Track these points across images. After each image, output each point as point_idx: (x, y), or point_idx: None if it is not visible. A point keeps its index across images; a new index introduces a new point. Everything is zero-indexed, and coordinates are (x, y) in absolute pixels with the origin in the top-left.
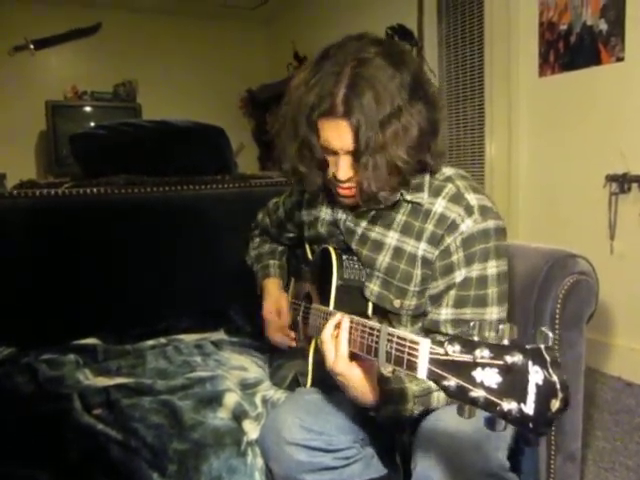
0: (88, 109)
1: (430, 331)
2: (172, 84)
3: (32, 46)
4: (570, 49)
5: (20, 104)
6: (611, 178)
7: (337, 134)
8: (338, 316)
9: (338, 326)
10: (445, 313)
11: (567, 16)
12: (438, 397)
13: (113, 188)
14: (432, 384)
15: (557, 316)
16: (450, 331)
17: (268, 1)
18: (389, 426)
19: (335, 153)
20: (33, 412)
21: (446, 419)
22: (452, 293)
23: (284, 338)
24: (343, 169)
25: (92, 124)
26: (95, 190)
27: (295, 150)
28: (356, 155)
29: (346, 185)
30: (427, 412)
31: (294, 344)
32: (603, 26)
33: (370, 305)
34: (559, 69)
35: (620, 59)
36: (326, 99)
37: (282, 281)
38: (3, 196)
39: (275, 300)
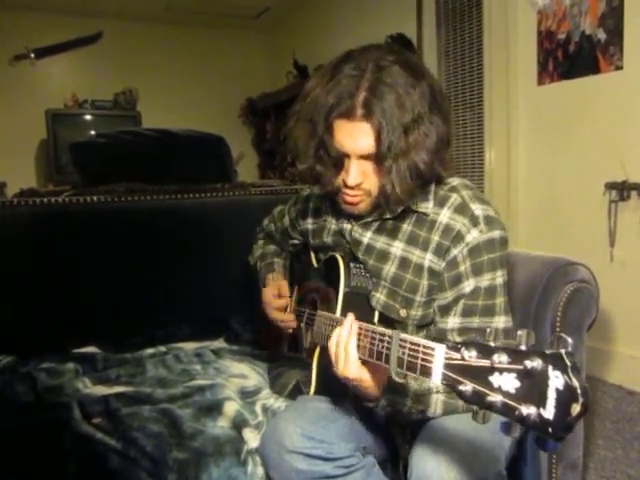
0: (88, 117)
1: (437, 340)
2: (172, 93)
3: (33, 55)
4: (569, 58)
5: (20, 113)
6: (610, 186)
7: (352, 137)
8: (347, 322)
9: (347, 332)
10: (452, 322)
11: (566, 25)
12: (436, 402)
13: (113, 196)
14: (433, 387)
15: (557, 324)
16: (457, 339)
17: (268, 10)
18: (388, 425)
19: (347, 157)
20: (32, 421)
21: (445, 427)
22: (461, 303)
23: (282, 315)
24: (353, 174)
25: (92, 132)
26: (95, 198)
27: (313, 150)
28: (378, 159)
29: (353, 192)
30: (425, 418)
31: (293, 325)
32: (602, 35)
33: (377, 313)
34: (558, 77)
35: (619, 68)
36: (345, 101)
37: (285, 279)
38: (3, 204)
39: (277, 284)
